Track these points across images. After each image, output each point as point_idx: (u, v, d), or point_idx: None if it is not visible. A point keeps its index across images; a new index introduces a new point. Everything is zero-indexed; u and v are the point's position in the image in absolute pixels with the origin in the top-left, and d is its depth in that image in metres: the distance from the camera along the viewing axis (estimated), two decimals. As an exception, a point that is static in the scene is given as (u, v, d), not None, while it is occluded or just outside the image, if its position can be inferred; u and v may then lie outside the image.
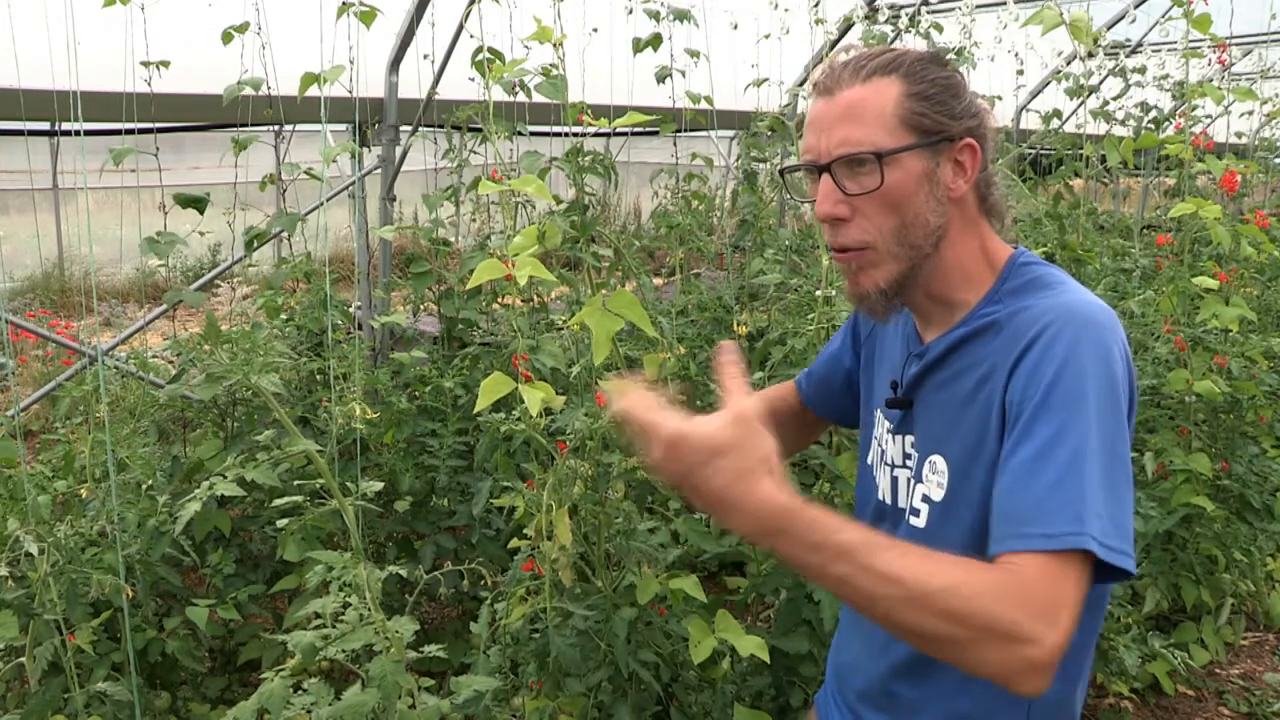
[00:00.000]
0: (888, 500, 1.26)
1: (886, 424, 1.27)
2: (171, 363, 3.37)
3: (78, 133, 2.55)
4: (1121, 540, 0.95)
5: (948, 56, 1.18)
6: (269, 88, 3.13)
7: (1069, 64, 5.84)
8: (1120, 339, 1.06)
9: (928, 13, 5.05)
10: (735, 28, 4.82)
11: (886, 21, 4.81)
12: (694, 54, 3.96)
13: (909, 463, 1.22)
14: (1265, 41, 6.83)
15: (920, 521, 1.18)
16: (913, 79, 1.12)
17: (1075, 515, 0.93)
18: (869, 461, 1.34)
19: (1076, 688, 1.17)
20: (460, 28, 3.44)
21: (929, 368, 1.19)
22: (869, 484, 1.32)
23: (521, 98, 2.94)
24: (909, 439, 1.22)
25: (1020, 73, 5.80)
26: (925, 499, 1.18)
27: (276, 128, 3.78)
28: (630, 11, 3.73)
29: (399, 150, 3.88)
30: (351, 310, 3.51)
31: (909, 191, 1.12)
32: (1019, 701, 1.12)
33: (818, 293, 2.66)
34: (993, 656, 0.89)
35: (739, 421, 0.94)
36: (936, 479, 1.16)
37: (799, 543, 0.93)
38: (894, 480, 1.25)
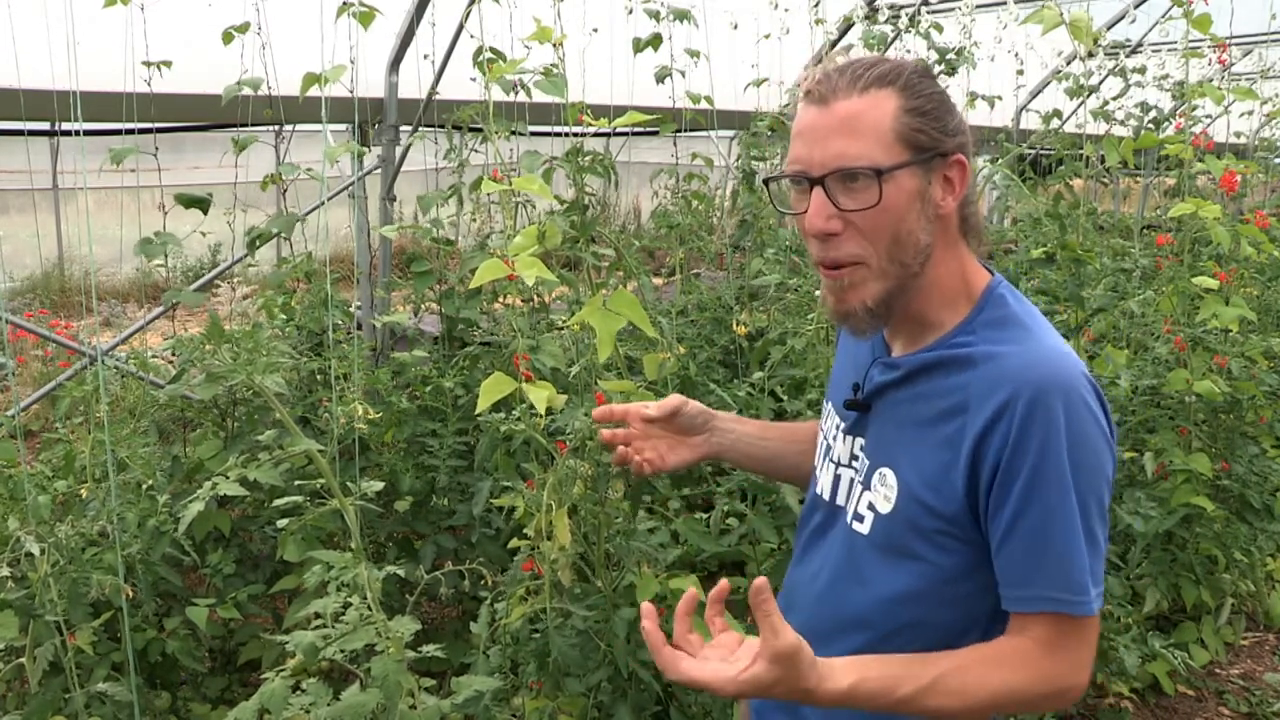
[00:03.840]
0: (826, 496, 1.27)
1: (839, 421, 1.27)
2: (171, 363, 3.37)
3: (78, 133, 2.55)
4: (1099, 584, 1.09)
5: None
6: (269, 88, 3.12)
7: (1069, 64, 5.84)
8: (1085, 384, 1.08)
9: (928, 13, 5.04)
10: (735, 28, 4.82)
11: (886, 21, 4.80)
12: (694, 54, 3.96)
13: (855, 464, 1.22)
14: (1265, 41, 6.83)
15: (864, 528, 1.19)
16: (910, 93, 1.10)
17: (1078, 585, 1.07)
18: (816, 453, 1.34)
19: None
20: (460, 28, 3.44)
21: (897, 381, 1.18)
22: (813, 476, 1.33)
23: (521, 98, 2.94)
24: (859, 441, 1.22)
25: (1020, 73, 5.80)
26: (871, 508, 1.18)
27: (277, 128, 3.78)
28: (630, 11, 3.73)
29: (399, 150, 3.88)
30: (352, 310, 3.50)
31: (903, 209, 1.10)
32: None
33: (817, 292, 2.66)
34: (1042, 710, 1.16)
35: (780, 660, 1.01)
36: (885, 491, 1.16)
37: (865, 710, 1.08)
38: (836, 478, 1.25)
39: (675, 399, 1.40)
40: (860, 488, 1.21)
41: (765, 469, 1.49)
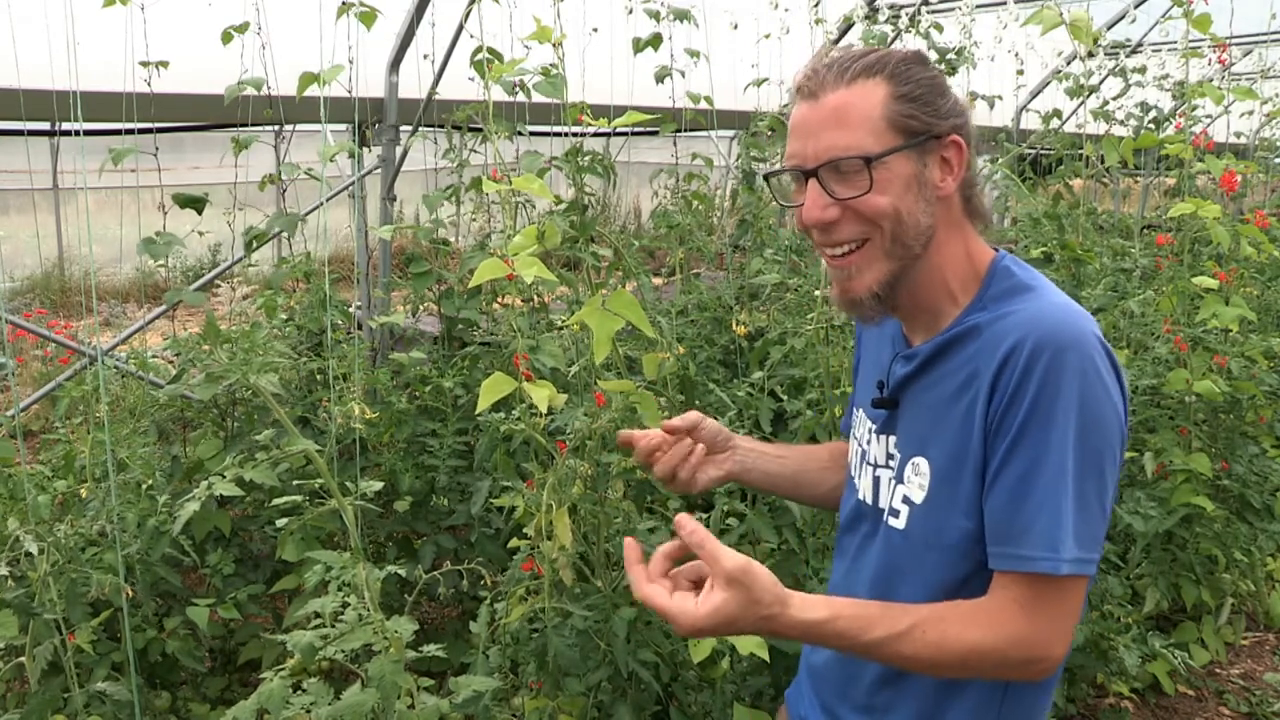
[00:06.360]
0: (868, 500, 1.26)
1: (870, 424, 1.28)
2: (171, 363, 3.37)
3: (78, 133, 2.55)
4: (1088, 550, 1.05)
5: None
6: (269, 88, 3.12)
7: (1069, 64, 5.84)
8: (1096, 345, 1.07)
9: (928, 13, 5.04)
10: (735, 28, 4.82)
11: (886, 21, 4.80)
12: (694, 54, 3.95)
13: (891, 463, 1.22)
14: (1265, 41, 6.83)
15: (900, 523, 1.19)
16: (898, 80, 1.12)
17: (1052, 542, 1.04)
18: (848, 461, 1.34)
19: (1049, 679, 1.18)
20: (460, 28, 3.44)
21: (916, 370, 1.19)
22: (849, 485, 1.32)
23: (521, 98, 2.94)
24: (892, 439, 1.23)
25: (1020, 73, 5.80)
26: (906, 500, 1.18)
27: (276, 128, 3.78)
28: (630, 11, 3.73)
29: (399, 150, 3.88)
30: (351, 310, 3.50)
31: (899, 192, 1.12)
32: (992, 698, 1.16)
33: (817, 292, 2.66)
34: (1012, 676, 1.11)
35: (734, 579, 1.02)
36: (919, 480, 1.16)
37: (834, 647, 1.09)
38: (875, 480, 1.25)
39: (693, 414, 1.40)
40: (894, 483, 1.21)
41: (788, 487, 1.47)
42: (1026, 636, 1.05)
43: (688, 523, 1.04)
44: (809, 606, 1.05)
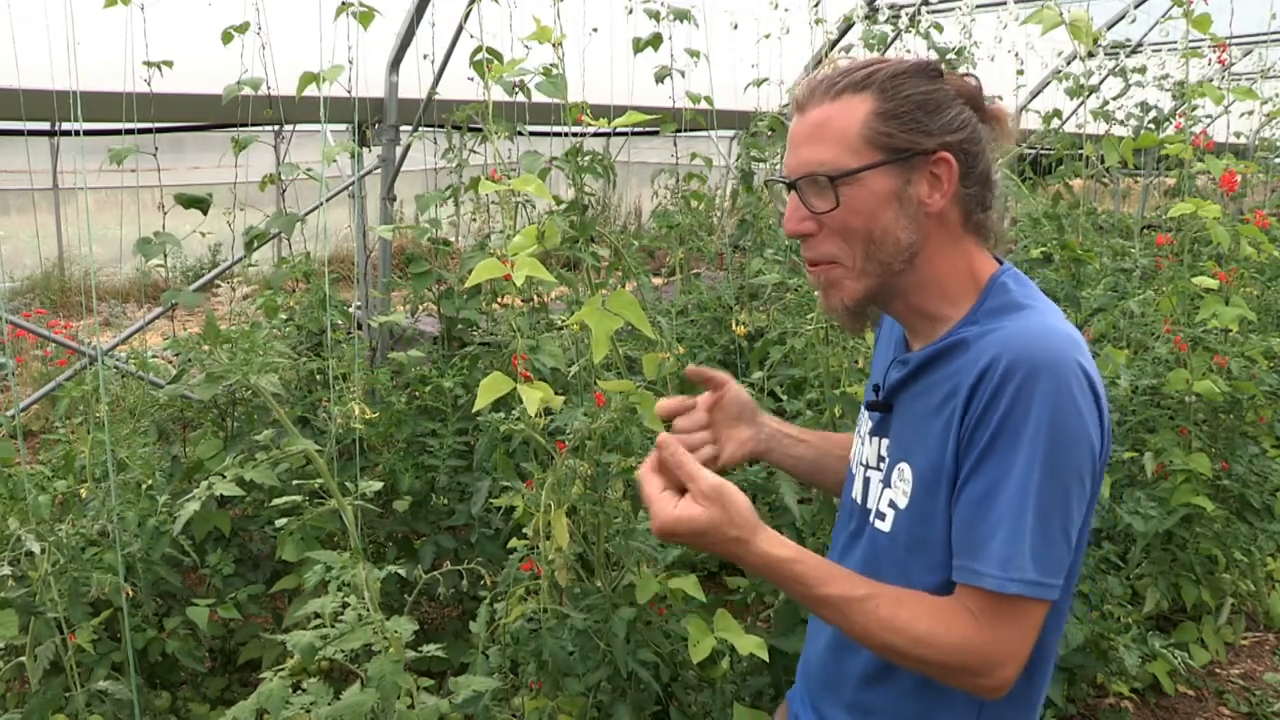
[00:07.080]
0: (859, 500, 1.28)
1: (868, 424, 1.29)
2: (171, 363, 3.37)
3: (78, 133, 2.55)
4: (1046, 575, 1.04)
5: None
6: (269, 88, 3.13)
7: (1069, 64, 5.84)
8: (1074, 370, 1.05)
9: (928, 13, 5.05)
10: (735, 28, 4.83)
11: (886, 21, 4.81)
12: (694, 54, 3.96)
13: (881, 465, 1.23)
14: (1265, 41, 6.83)
15: (886, 526, 1.20)
16: (885, 96, 1.12)
17: (1004, 560, 1.04)
18: (850, 458, 1.35)
19: (1034, 689, 1.18)
20: (460, 28, 3.44)
21: (907, 377, 1.20)
22: (848, 479, 1.34)
23: (521, 98, 2.94)
24: (884, 442, 1.24)
25: (1020, 73, 5.80)
26: (892, 505, 1.19)
27: (276, 128, 3.79)
28: (630, 11, 3.73)
29: (399, 150, 3.88)
30: (351, 310, 3.51)
31: (872, 209, 1.13)
32: (969, 708, 1.16)
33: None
34: (955, 683, 1.09)
35: (710, 498, 1.07)
36: (903, 487, 1.17)
37: (789, 590, 1.11)
38: (866, 481, 1.26)
39: (723, 374, 1.41)
40: (882, 486, 1.22)
41: (809, 470, 1.47)
42: (976, 647, 1.05)
43: (670, 443, 1.09)
44: (777, 543, 1.08)
